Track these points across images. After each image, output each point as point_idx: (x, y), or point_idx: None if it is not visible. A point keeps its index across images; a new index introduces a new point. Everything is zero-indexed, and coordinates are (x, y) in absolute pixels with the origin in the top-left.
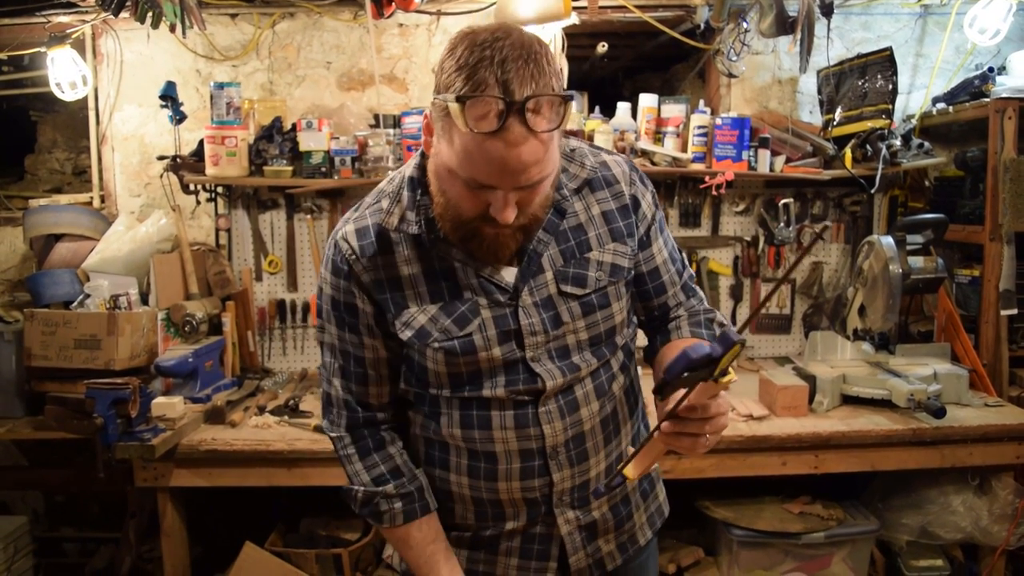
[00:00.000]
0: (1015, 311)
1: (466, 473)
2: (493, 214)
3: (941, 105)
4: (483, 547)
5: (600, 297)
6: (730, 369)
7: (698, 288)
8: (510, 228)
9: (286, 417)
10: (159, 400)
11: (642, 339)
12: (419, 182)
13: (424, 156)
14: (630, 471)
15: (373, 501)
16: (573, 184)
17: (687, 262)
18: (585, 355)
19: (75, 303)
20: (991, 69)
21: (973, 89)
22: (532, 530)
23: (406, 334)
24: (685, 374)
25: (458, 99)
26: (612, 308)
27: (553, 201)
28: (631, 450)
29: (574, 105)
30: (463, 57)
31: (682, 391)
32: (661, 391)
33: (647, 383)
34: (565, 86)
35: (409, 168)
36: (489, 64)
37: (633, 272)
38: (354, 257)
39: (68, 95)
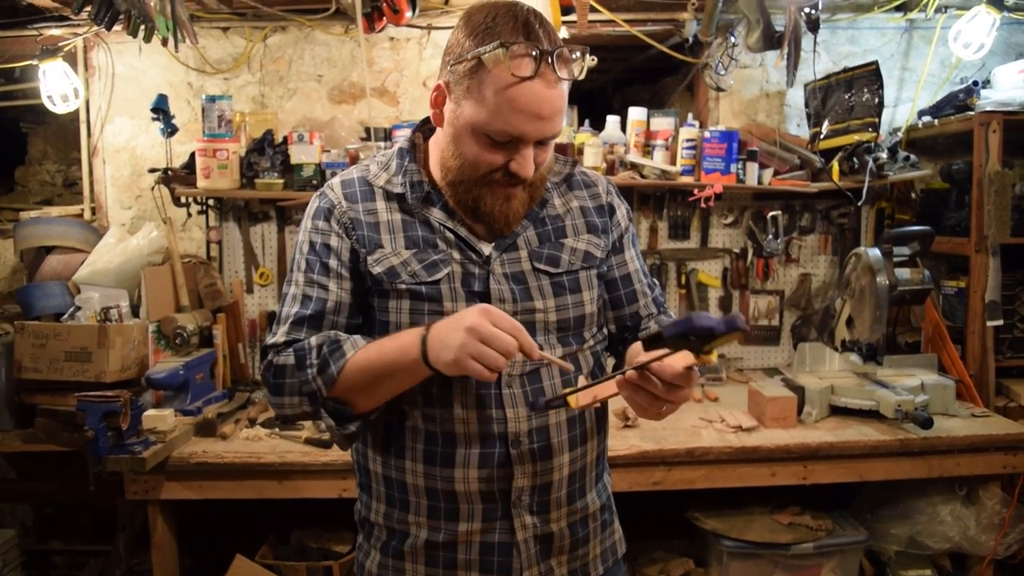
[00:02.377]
0: (1001, 322)
1: (422, 459)
2: (516, 169)
3: (927, 118)
4: (439, 561)
5: (571, 281)
6: (714, 351)
7: (669, 309)
8: (522, 186)
9: (277, 429)
10: (150, 413)
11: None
12: (409, 152)
13: (420, 131)
14: (574, 399)
15: (331, 337)
16: (556, 179)
17: (657, 283)
18: (551, 339)
19: (66, 315)
20: (976, 83)
21: (958, 102)
22: (489, 538)
23: (376, 269)
24: (680, 337)
25: (502, 44)
26: (583, 296)
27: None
28: (584, 387)
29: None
30: (484, 22)
31: (663, 350)
32: (649, 343)
33: (613, 402)
34: None
35: (401, 142)
36: (513, 22)
37: (604, 268)
38: (337, 201)
39: (59, 108)
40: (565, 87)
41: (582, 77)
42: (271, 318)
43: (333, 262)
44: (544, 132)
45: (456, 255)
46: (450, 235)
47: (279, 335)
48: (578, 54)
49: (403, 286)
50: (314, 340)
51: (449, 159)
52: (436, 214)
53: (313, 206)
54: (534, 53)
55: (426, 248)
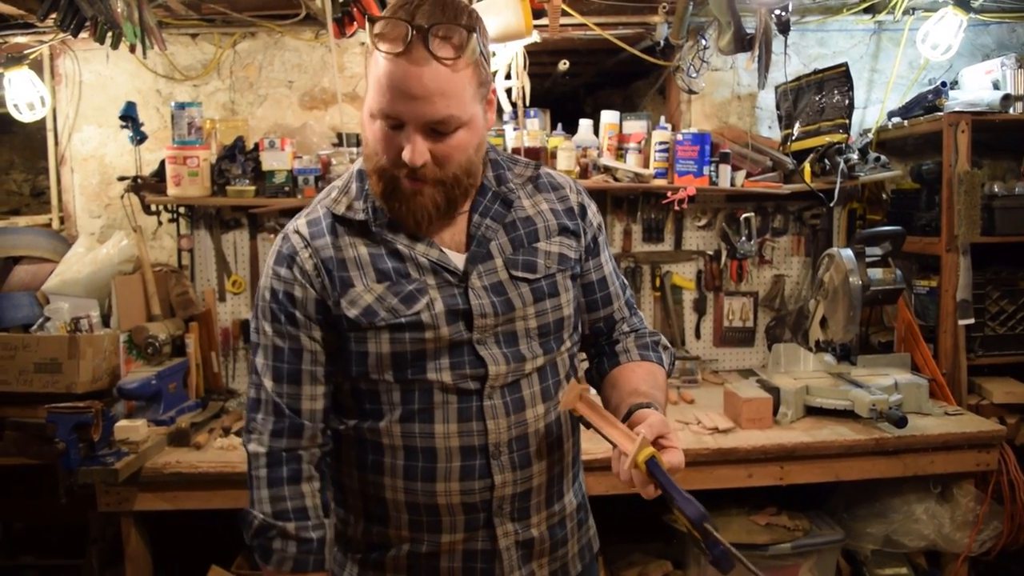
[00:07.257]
0: (972, 321)
1: (402, 475)
2: (404, 157)
3: (896, 119)
4: (422, 570)
5: (550, 285)
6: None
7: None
8: (427, 183)
9: None
10: (122, 423)
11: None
12: (365, 173)
13: None
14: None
15: (267, 534)
16: (519, 180)
17: (628, 284)
18: (533, 345)
19: (35, 326)
20: (944, 84)
21: (927, 103)
22: (472, 546)
23: (352, 312)
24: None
25: (370, 19)
26: (560, 299)
27: (500, 193)
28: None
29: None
30: (390, 5)
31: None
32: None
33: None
34: (527, 103)
35: (358, 162)
36: (408, 5)
37: (580, 271)
38: (302, 245)
39: (26, 116)
40: (445, 67)
41: (470, 57)
42: (244, 326)
43: (301, 312)
44: (420, 113)
45: (431, 280)
46: (422, 260)
47: (259, 430)
48: (466, 34)
49: (382, 323)
50: (292, 527)
51: (365, 147)
52: (403, 240)
53: (275, 249)
54: (405, 31)
55: (399, 279)
